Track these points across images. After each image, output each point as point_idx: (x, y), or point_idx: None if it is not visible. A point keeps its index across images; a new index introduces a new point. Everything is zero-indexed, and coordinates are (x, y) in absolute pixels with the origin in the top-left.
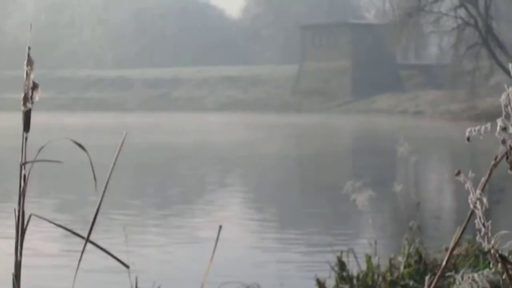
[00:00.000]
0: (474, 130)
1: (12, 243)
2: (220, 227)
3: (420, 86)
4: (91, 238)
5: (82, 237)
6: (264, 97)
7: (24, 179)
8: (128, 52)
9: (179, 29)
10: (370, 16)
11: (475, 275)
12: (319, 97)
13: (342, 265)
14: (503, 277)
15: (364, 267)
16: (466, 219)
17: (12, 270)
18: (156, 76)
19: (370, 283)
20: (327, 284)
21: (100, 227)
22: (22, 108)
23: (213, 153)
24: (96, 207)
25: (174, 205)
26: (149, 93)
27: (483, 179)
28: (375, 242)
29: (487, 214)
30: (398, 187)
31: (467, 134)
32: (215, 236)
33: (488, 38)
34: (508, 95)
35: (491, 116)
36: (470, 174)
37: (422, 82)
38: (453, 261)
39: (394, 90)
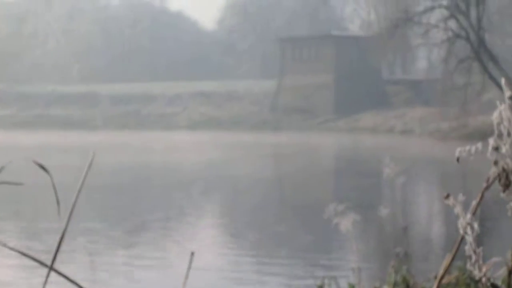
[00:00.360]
0: (464, 150)
1: None
2: (192, 254)
3: (407, 102)
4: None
5: (46, 265)
6: (240, 114)
7: None
8: (96, 65)
9: (150, 41)
10: (355, 28)
11: None
12: (299, 115)
13: None
14: None
15: None
16: (456, 245)
17: None
18: (125, 91)
19: None
20: None
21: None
22: None
23: (183, 175)
24: (61, 233)
25: (137, 233)
26: (117, 110)
27: (474, 203)
28: (359, 270)
29: (479, 240)
30: (384, 211)
31: (456, 154)
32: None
33: (481, 52)
34: (501, 112)
35: (483, 135)
36: (460, 197)
37: (409, 98)
38: None
39: (380, 107)
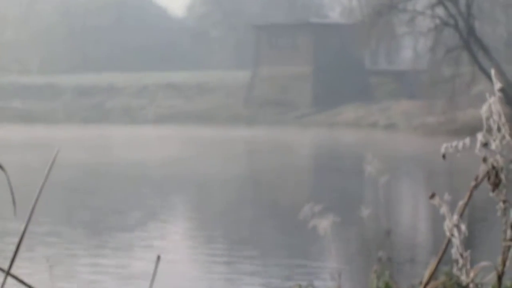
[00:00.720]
0: (451, 146)
1: None
2: (159, 257)
3: (391, 95)
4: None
5: (2, 270)
6: (212, 108)
7: None
8: (57, 55)
9: (115, 29)
10: (335, 15)
11: None
12: (276, 108)
13: None
14: None
15: None
16: (442, 248)
17: None
18: (88, 83)
19: None
20: None
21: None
22: None
23: (143, 173)
24: (20, 235)
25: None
26: (80, 103)
27: (461, 203)
28: (339, 275)
29: (466, 242)
30: (365, 212)
31: (442, 150)
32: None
33: (470, 41)
34: (490, 105)
35: (473, 130)
36: (447, 197)
37: (394, 90)
38: None
39: (362, 100)
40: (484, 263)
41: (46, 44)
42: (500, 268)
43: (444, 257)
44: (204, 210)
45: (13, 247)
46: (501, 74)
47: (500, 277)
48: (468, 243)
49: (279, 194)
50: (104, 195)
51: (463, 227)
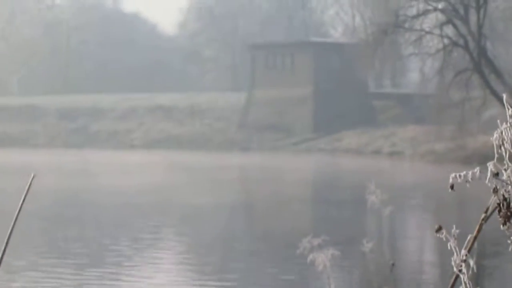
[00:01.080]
0: (459, 176)
1: None
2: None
3: (397, 120)
4: None
5: None
6: (204, 132)
7: None
8: (38, 75)
9: (100, 47)
10: (337, 34)
11: None
12: (272, 133)
13: None
14: None
15: None
16: (450, 284)
17: None
18: (71, 105)
19: None
20: None
21: None
22: None
23: (130, 201)
24: None
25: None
26: (63, 126)
27: (470, 237)
28: None
29: (475, 279)
30: (367, 245)
31: (450, 180)
32: None
33: (481, 63)
34: (502, 133)
35: (484, 157)
36: (454, 230)
37: (399, 115)
38: None
39: (366, 125)
40: None
41: (26, 62)
42: None
43: None
44: (188, 244)
45: None
46: None
47: None
48: (478, 279)
49: (275, 227)
50: (77, 225)
51: (471, 262)
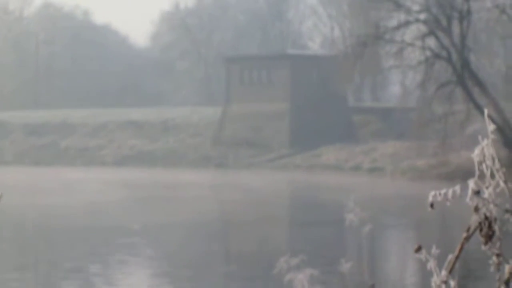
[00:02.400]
0: (439, 194)
1: None
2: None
3: (377, 135)
4: None
5: None
6: (177, 148)
7: None
8: (5, 90)
9: (70, 60)
10: (315, 46)
11: None
12: (248, 149)
13: None
14: None
15: None
16: None
17: None
18: (40, 120)
19: None
20: None
21: None
22: None
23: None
24: None
25: None
26: (31, 142)
27: (450, 257)
28: None
29: None
30: (346, 265)
31: (430, 199)
32: None
33: (464, 75)
34: (483, 149)
35: (467, 174)
36: (434, 250)
37: (380, 130)
38: None
39: (345, 141)
40: None
41: None
42: None
43: None
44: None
45: None
46: (498, 112)
47: None
48: None
49: (249, 246)
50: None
51: (452, 283)
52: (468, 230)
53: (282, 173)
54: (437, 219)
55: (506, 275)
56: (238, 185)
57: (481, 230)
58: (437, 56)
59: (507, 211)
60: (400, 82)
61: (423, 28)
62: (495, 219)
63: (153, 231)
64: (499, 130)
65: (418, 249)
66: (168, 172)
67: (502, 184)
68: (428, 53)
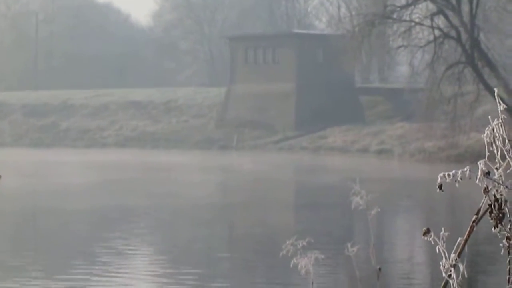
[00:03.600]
0: (448, 175)
1: None
2: None
3: (385, 116)
4: None
5: None
6: (180, 130)
7: None
8: (4, 70)
9: (70, 40)
10: (321, 25)
11: None
12: (253, 131)
13: None
14: None
15: None
16: None
17: None
18: (40, 100)
19: None
20: None
21: None
22: None
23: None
24: None
25: None
26: (30, 123)
27: (459, 240)
28: None
29: (467, 284)
30: (352, 249)
31: (438, 180)
32: None
33: (474, 55)
34: (493, 130)
35: (477, 156)
36: (443, 233)
37: (388, 111)
38: None
39: (352, 122)
40: None
41: None
42: None
43: None
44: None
45: None
46: (509, 93)
47: None
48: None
49: (254, 229)
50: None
51: (461, 267)
52: (477, 212)
53: (287, 155)
54: (446, 202)
55: None
56: (233, 167)
57: (491, 212)
58: (446, 35)
59: None
60: (408, 62)
61: (431, 7)
62: (506, 201)
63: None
64: (510, 110)
65: (426, 232)
66: (166, 154)
67: None
68: (437, 32)
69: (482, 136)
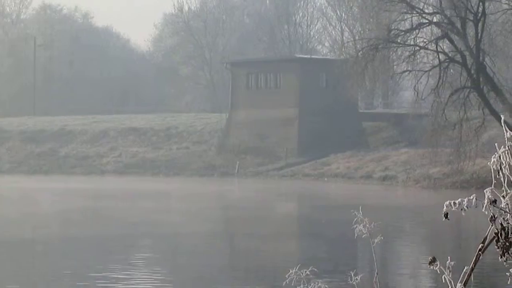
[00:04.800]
0: (454, 203)
1: None
2: None
3: (389, 142)
4: None
5: None
6: (181, 156)
7: None
8: (2, 96)
9: (69, 65)
10: (324, 50)
11: None
12: (255, 157)
13: None
14: None
15: None
16: None
17: None
18: (38, 127)
19: None
20: None
21: None
22: None
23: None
24: None
25: None
26: (28, 150)
27: (466, 269)
28: None
29: None
30: (356, 277)
31: (444, 209)
32: None
33: (480, 80)
34: (500, 157)
35: (483, 183)
36: (449, 262)
37: (392, 137)
38: None
39: (355, 148)
40: None
41: None
42: None
43: None
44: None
45: None
46: None
47: None
48: None
49: (255, 259)
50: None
51: None
52: (483, 241)
53: (290, 182)
54: (452, 229)
55: None
56: (233, 194)
57: (497, 241)
58: (451, 60)
59: None
60: (412, 87)
61: (436, 31)
62: None
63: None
64: None
65: (432, 261)
66: (164, 181)
67: None
68: (441, 57)
69: (488, 163)
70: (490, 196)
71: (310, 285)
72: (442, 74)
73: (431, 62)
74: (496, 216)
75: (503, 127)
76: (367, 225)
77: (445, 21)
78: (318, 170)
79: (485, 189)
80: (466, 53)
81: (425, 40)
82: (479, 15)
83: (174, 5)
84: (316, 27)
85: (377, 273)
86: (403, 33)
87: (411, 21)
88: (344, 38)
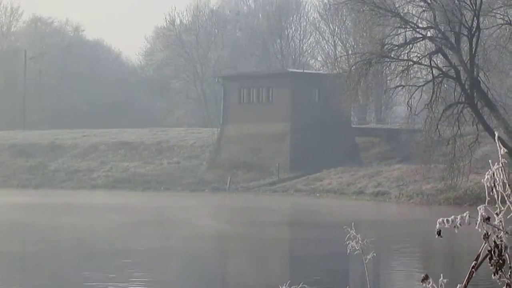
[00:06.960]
0: (447, 221)
1: None
2: None
3: (382, 158)
4: None
5: None
6: (172, 171)
7: None
8: None
9: (59, 78)
10: (317, 64)
11: None
12: (246, 172)
13: None
14: None
15: None
16: None
17: None
18: (28, 141)
19: None
20: None
21: None
22: None
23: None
24: None
25: None
26: (18, 164)
27: (458, 287)
28: None
29: None
30: None
31: (437, 226)
32: None
33: (474, 95)
34: (493, 174)
35: (476, 199)
36: (441, 280)
37: (385, 152)
38: None
39: (348, 163)
40: None
41: None
42: None
43: None
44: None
45: None
46: (509, 134)
47: None
48: None
49: (251, 271)
50: None
51: None
52: (477, 258)
53: (282, 197)
54: (445, 245)
55: None
56: (224, 209)
57: (490, 258)
58: (445, 75)
59: None
60: (406, 102)
61: (430, 46)
62: (506, 247)
63: None
64: (510, 153)
65: (425, 279)
66: (153, 196)
67: None
68: (435, 71)
69: (482, 180)
70: (483, 213)
71: None
72: (435, 89)
73: (424, 77)
74: (489, 234)
75: (497, 143)
76: (360, 242)
77: (439, 35)
78: (310, 185)
79: (478, 205)
80: (460, 68)
81: (418, 55)
82: (473, 29)
83: (165, 18)
84: (309, 41)
85: None
86: (396, 47)
87: (405, 35)
88: (337, 52)
